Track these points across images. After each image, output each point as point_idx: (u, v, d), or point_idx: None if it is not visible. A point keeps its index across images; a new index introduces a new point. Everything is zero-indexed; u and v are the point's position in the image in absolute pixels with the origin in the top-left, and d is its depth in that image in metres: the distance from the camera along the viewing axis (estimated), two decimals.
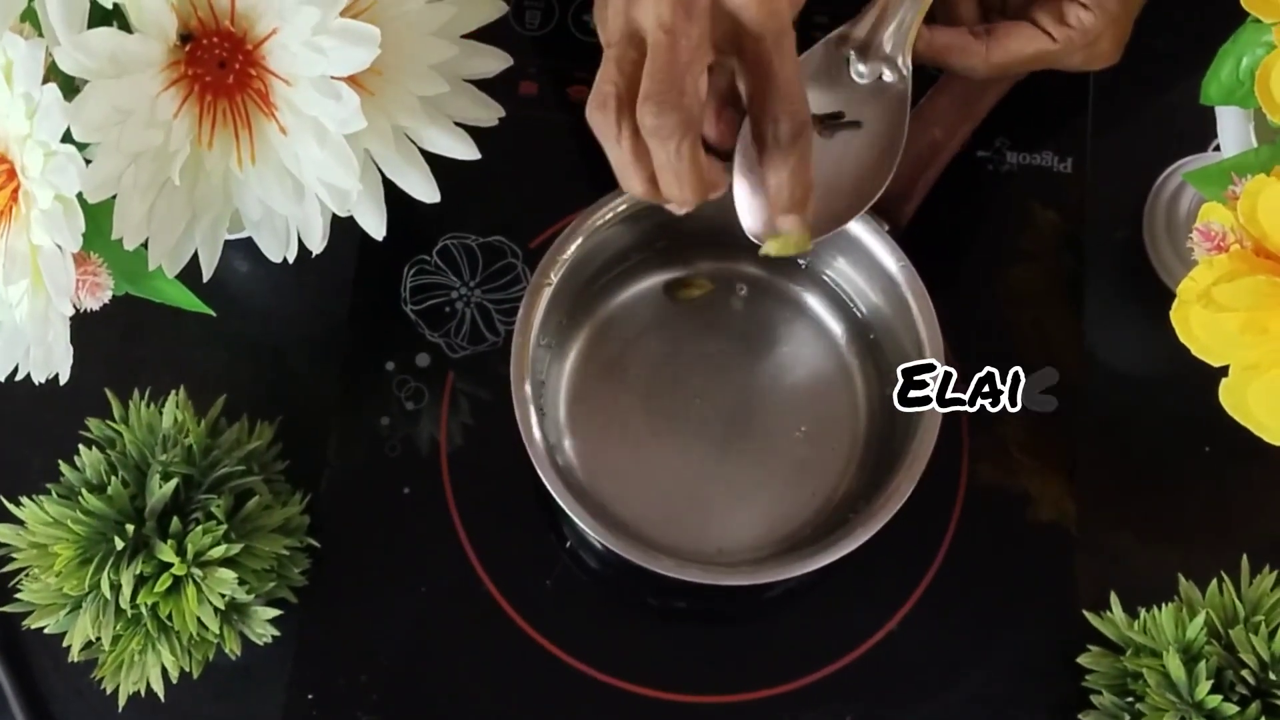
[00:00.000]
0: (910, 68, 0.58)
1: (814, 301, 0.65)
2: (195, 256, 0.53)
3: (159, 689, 0.56)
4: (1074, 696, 0.60)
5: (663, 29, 0.49)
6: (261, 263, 0.55)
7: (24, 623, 0.56)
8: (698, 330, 0.64)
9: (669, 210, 0.54)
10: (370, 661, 0.61)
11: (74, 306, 0.48)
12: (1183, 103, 0.59)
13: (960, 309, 0.64)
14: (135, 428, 0.58)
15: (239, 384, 0.64)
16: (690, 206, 0.53)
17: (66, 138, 0.46)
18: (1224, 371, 0.46)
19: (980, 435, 0.64)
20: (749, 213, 0.57)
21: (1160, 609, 0.57)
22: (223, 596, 0.55)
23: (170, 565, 0.54)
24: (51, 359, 0.50)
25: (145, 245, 0.50)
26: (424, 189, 0.55)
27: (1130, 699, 0.57)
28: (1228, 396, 0.46)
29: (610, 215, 0.60)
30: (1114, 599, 0.59)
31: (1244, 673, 0.54)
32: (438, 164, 0.55)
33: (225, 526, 0.55)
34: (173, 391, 0.59)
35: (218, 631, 0.56)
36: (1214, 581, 0.57)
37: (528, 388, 0.58)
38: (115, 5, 0.47)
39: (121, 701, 0.56)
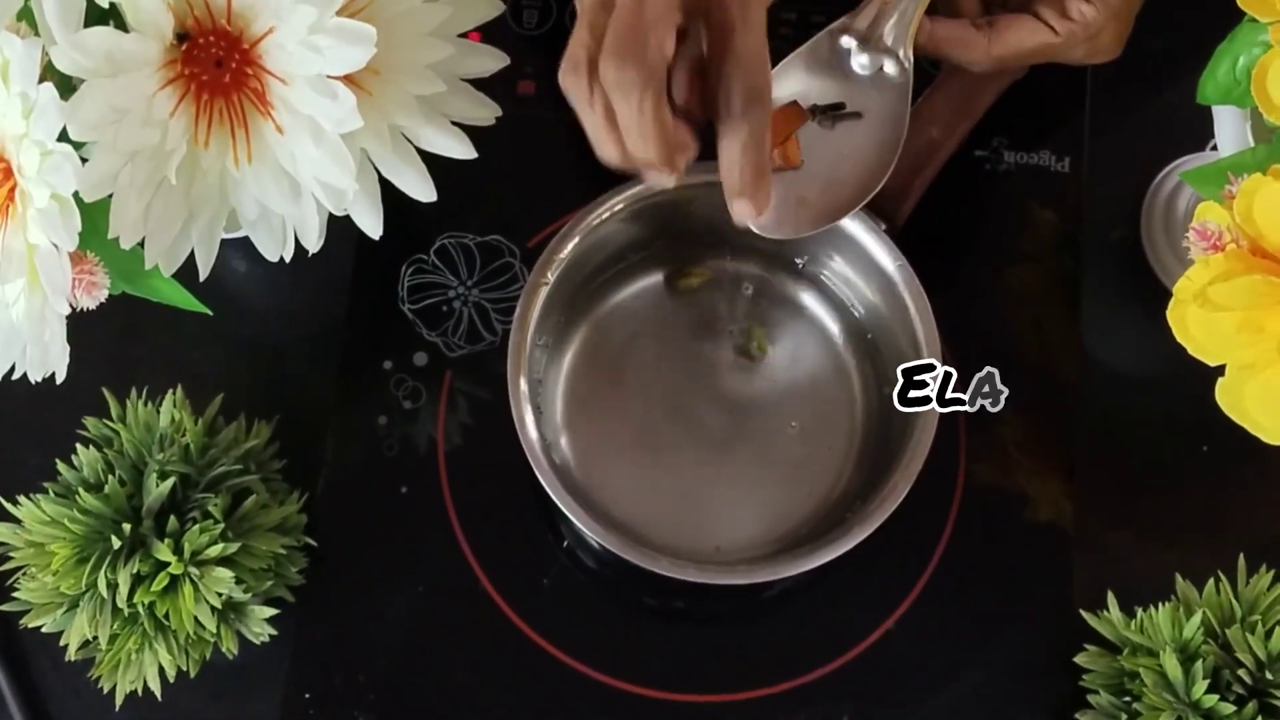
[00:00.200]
0: (912, 60, 0.58)
1: (811, 301, 0.65)
2: (192, 255, 0.53)
3: (156, 688, 0.56)
4: (1071, 696, 0.60)
5: None
6: (259, 262, 0.55)
7: (21, 621, 0.56)
8: (695, 330, 0.64)
9: (652, 183, 0.54)
10: (367, 661, 0.61)
11: (70, 305, 0.48)
12: (1180, 102, 0.59)
13: (957, 308, 0.64)
14: (132, 427, 0.58)
15: (236, 383, 0.64)
16: (661, 169, 0.52)
17: (63, 137, 0.46)
18: (1221, 371, 0.46)
19: (978, 435, 0.64)
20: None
21: (1157, 608, 0.57)
22: (220, 595, 0.55)
23: (167, 564, 0.54)
24: (48, 358, 0.50)
25: (142, 244, 0.50)
26: (421, 188, 0.55)
27: (1127, 698, 0.57)
28: (1224, 396, 0.46)
29: (607, 215, 0.60)
30: (1111, 598, 0.59)
31: (1241, 672, 0.54)
32: (435, 163, 0.55)
33: (222, 525, 0.55)
34: (170, 390, 0.59)
35: (215, 630, 0.56)
36: (1211, 581, 0.57)
37: (524, 386, 0.58)
38: (111, 4, 0.47)
39: (119, 700, 0.56)
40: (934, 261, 0.60)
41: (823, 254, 0.63)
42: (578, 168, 0.68)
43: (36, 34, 0.46)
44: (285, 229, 0.54)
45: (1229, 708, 0.53)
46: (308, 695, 0.61)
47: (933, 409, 0.57)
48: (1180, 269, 0.60)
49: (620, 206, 0.60)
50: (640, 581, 0.59)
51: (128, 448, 0.57)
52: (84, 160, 0.46)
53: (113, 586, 0.54)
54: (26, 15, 0.47)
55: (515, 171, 0.67)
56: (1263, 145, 0.52)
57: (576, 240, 0.60)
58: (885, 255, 0.60)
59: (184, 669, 0.56)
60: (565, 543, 0.63)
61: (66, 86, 0.46)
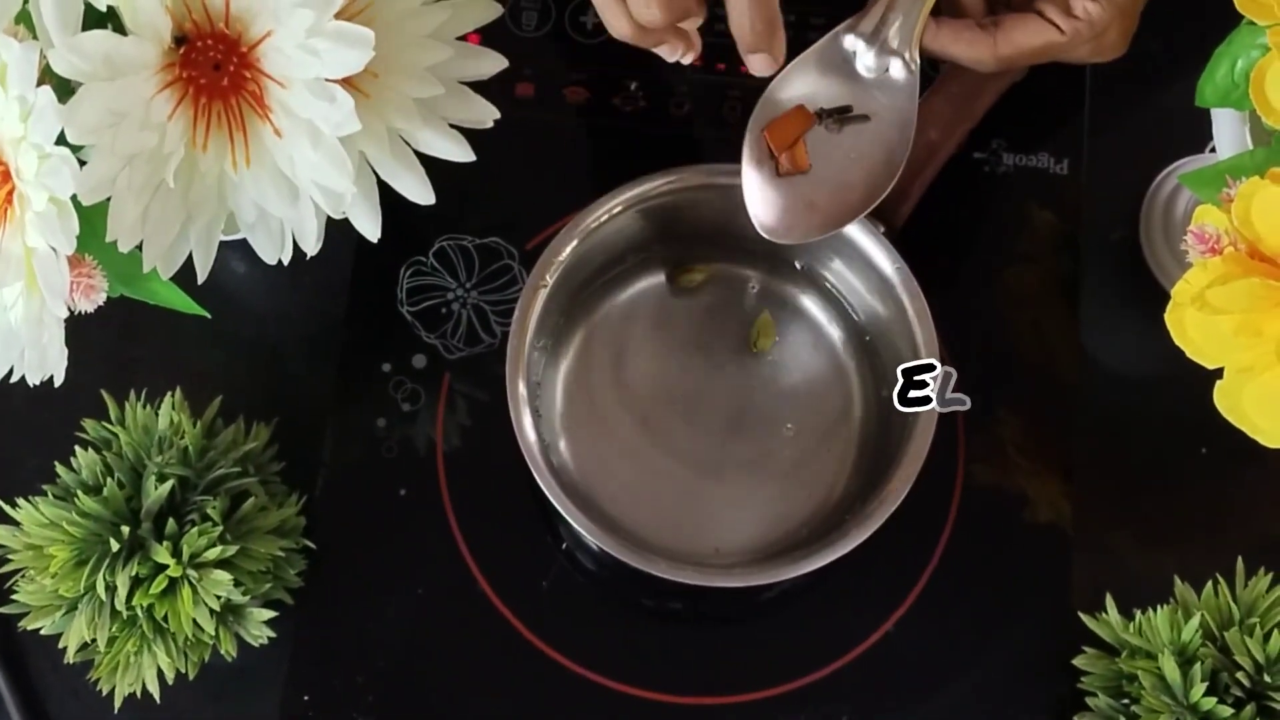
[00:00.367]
0: (918, 60, 0.58)
1: (810, 304, 0.65)
2: (190, 258, 0.53)
3: (155, 690, 0.56)
4: (1069, 698, 0.60)
5: None
6: (258, 264, 0.55)
7: (20, 624, 0.56)
8: (694, 332, 0.64)
9: (666, 57, 0.54)
10: (366, 663, 0.61)
11: (69, 309, 0.48)
12: (1179, 104, 0.59)
13: (956, 310, 0.64)
14: (131, 429, 0.58)
15: (235, 385, 0.64)
16: (668, 36, 0.53)
17: (61, 140, 0.46)
18: (1219, 374, 0.46)
19: (977, 436, 0.64)
20: (761, 206, 0.57)
21: (1156, 611, 0.57)
22: (218, 598, 0.55)
23: (166, 567, 0.54)
24: (46, 361, 0.50)
25: (140, 248, 0.50)
26: (419, 191, 0.55)
27: (1125, 701, 0.57)
28: (1222, 399, 0.46)
29: (606, 217, 0.60)
30: (1109, 600, 0.59)
31: (1239, 675, 0.54)
32: (434, 165, 0.55)
33: (221, 528, 0.55)
34: (169, 393, 0.59)
35: (213, 633, 0.56)
36: (1209, 583, 0.57)
37: (523, 388, 0.58)
38: (110, 8, 0.47)
39: (117, 703, 0.56)
40: (933, 263, 0.60)
41: (822, 256, 0.63)
42: (576, 170, 0.68)
43: (34, 37, 0.46)
44: (283, 232, 0.54)
45: (1227, 710, 0.53)
46: (306, 697, 0.61)
47: (932, 410, 0.57)
48: (1179, 271, 0.60)
49: (619, 208, 0.60)
50: (639, 583, 0.59)
51: (126, 450, 0.57)
52: (82, 163, 0.46)
53: (111, 589, 0.54)
54: (24, 18, 0.47)
55: (514, 174, 0.67)
56: (1261, 148, 0.52)
57: (575, 242, 0.60)
58: (884, 257, 0.60)
59: (183, 671, 0.56)
60: (564, 545, 0.63)
61: (65, 90, 0.46)
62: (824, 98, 0.58)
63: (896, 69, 0.58)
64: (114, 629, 0.55)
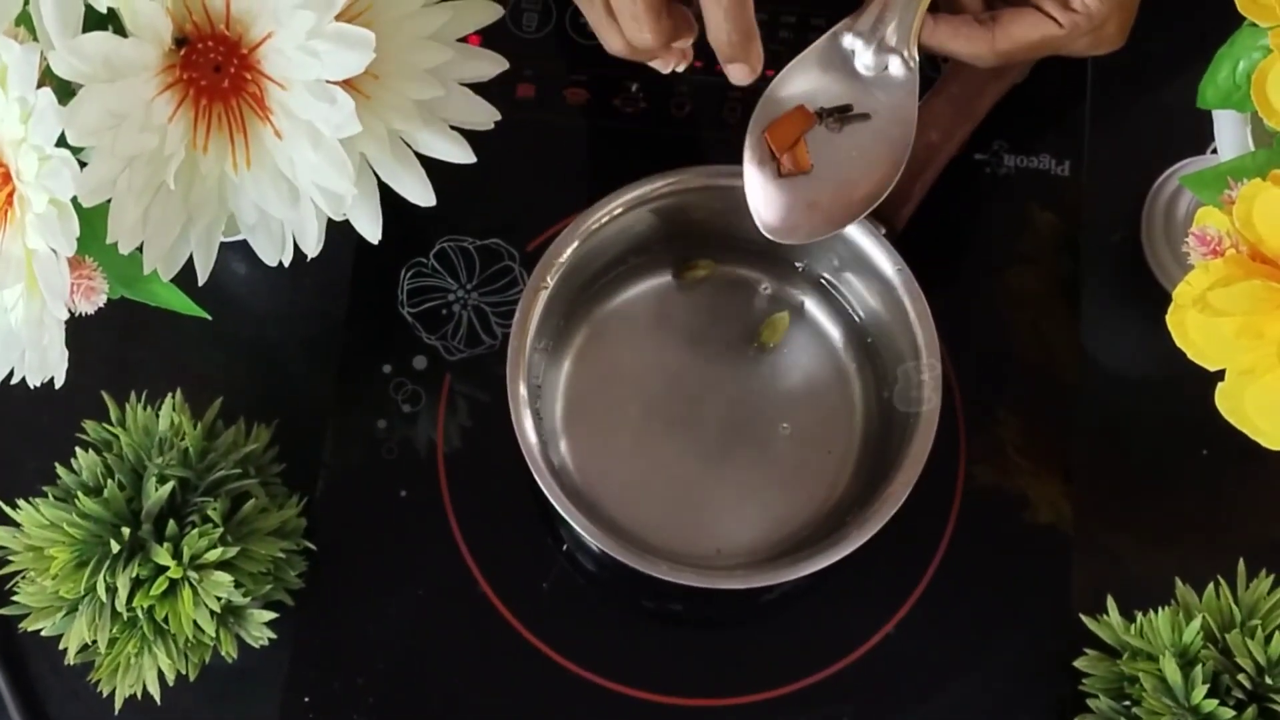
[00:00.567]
0: (917, 58, 0.58)
1: (811, 305, 0.65)
2: (191, 260, 0.53)
3: (155, 692, 0.56)
4: (1070, 700, 0.60)
5: None
6: (258, 265, 0.55)
7: (20, 625, 0.56)
8: (695, 334, 0.64)
9: (659, 68, 0.55)
10: (367, 664, 0.61)
11: (69, 310, 0.48)
12: (1180, 106, 0.59)
13: (957, 312, 0.64)
14: (132, 430, 0.58)
15: (236, 386, 0.64)
16: (660, 52, 0.54)
17: (61, 142, 0.46)
18: (1220, 375, 0.46)
19: (977, 437, 0.64)
20: (763, 206, 0.57)
21: (1157, 612, 0.57)
22: (219, 599, 0.55)
23: (166, 568, 0.54)
24: (47, 363, 0.50)
25: (140, 249, 0.50)
26: (419, 192, 0.55)
27: (1127, 703, 0.57)
28: (1224, 400, 0.46)
29: (607, 218, 0.60)
30: (1111, 602, 0.59)
31: (1240, 677, 0.54)
32: (434, 167, 0.55)
33: (221, 529, 0.55)
34: (169, 394, 0.59)
35: (214, 634, 0.56)
36: (1210, 585, 0.57)
37: (523, 390, 0.58)
38: (110, 9, 0.47)
39: (118, 704, 0.56)
40: (934, 265, 0.60)
41: (823, 257, 0.63)
42: (577, 171, 0.68)
43: (35, 39, 0.46)
44: (284, 233, 0.54)
45: (1228, 712, 0.53)
46: (307, 699, 0.61)
47: (933, 412, 0.57)
48: (1180, 273, 0.60)
49: (620, 210, 0.60)
50: (639, 585, 0.59)
51: (127, 451, 0.57)
52: (82, 165, 0.46)
53: (112, 590, 0.54)
54: (25, 20, 0.47)
55: (514, 175, 0.67)
56: (1263, 150, 0.52)
57: (576, 244, 0.60)
58: (885, 259, 0.60)
59: (183, 673, 0.56)
60: (564, 546, 0.63)
61: (65, 91, 0.46)
62: (824, 97, 0.58)
63: (896, 66, 0.57)
64: (114, 630, 0.55)
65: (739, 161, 0.58)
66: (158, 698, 0.56)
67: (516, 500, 0.63)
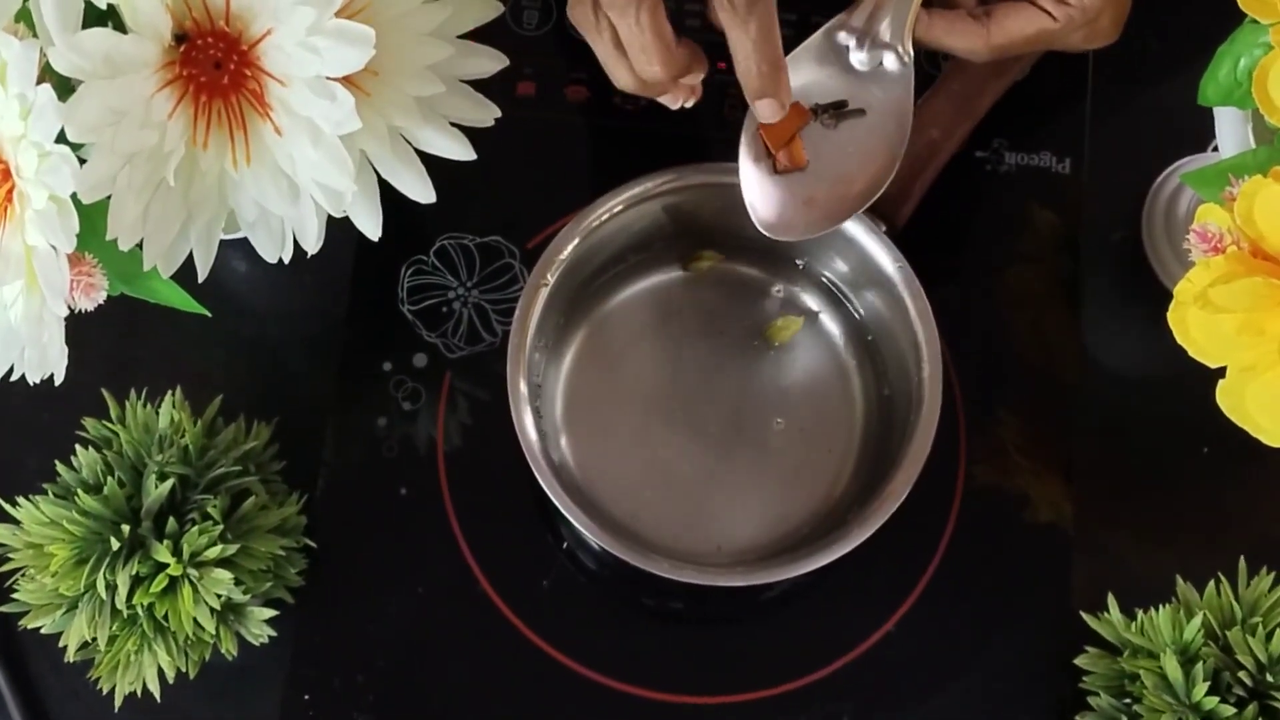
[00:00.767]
0: (911, 53, 0.58)
1: (812, 302, 0.65)
2: (191, 257, 0.53)
3: (155, 689, 0.56)
4: (1071, 698, 0.60)
5: None
6: (258, 262, 0.55)
7: (20, 622, 0.56)
8: (694, 331, 0.64)
9: (668, 104, 0.55)
10: (367, 662, 0.61)
11: (69, 307, 0.48)
12: (1181, 103, 0.59)
13: (958, 310, 0.64)
14: (132, 428, 0.57)
15: (236, 384, 0.64)
16: (670, 88, 0.54)
17: (61, 138, 0.46)
18: (1221, 373, 0.46)
19: (978, 436, 0.64)
20: (759, 202, 0.57)
21: (1158, 610, 0.57)
22: (219, 597, 0.55)
23: (166, 565, 0.54)
24: (46, 360, 0.50)
25: (140, 246, 0.50)
26: (419, 190, 0.55)
27: (1127, 700, 0.57)
28: (1225, 398, 0.46)
29: (607, 216, 0.60)
30: (1111, 600, 0.59)
31: (1241, 674, 0.54)
32: (434, 164, 0.55)
33: (221, 527, 0.55)
34: (169, 391, 0.59)
35: (214, 632, 0.56)
36: (1211, 583, 0.57)
37: (524, 388, 0.58)
38: (110, 6, 0.47)
39: (118, 702, 0.56)
40: (934, 262, 0.60)
41: (823, 255, 0.63)
42: (577, 168, 0.68)
43: (34, 35, 0.46)
44: (284, 230, 0.54)
45: (1229, 710, 0.53)
46: (307, 696, 0.61)
47: (933, 411, 0.57)
48: (1181, 271, 0.60)
49: (620, 207, 0.60)
50: (640, 583, 0.59)
51: (127, 449, 0.57)
52: (82, 162, 0.46)
53: (112, 588, 0.54)
54: (24, 16, 0.47)
55: (515, 172, 0.67)
56: (1264, 147, 0.52)
57: (576, 241, 0.60)
58: (885, 256, 0.60)
59: (183, 670, 0.56)
60: (565, 544, 0.63)
61: (65, 88, 0.46)
62: (819, 93, 0.58)
63: (890, 62, 0.57)
64: (114, 628, 0.55)
65: (737, 159, 0.57)
66: (158, 695, 0.56)
67: (517, 498, 0.63)
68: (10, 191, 0.48)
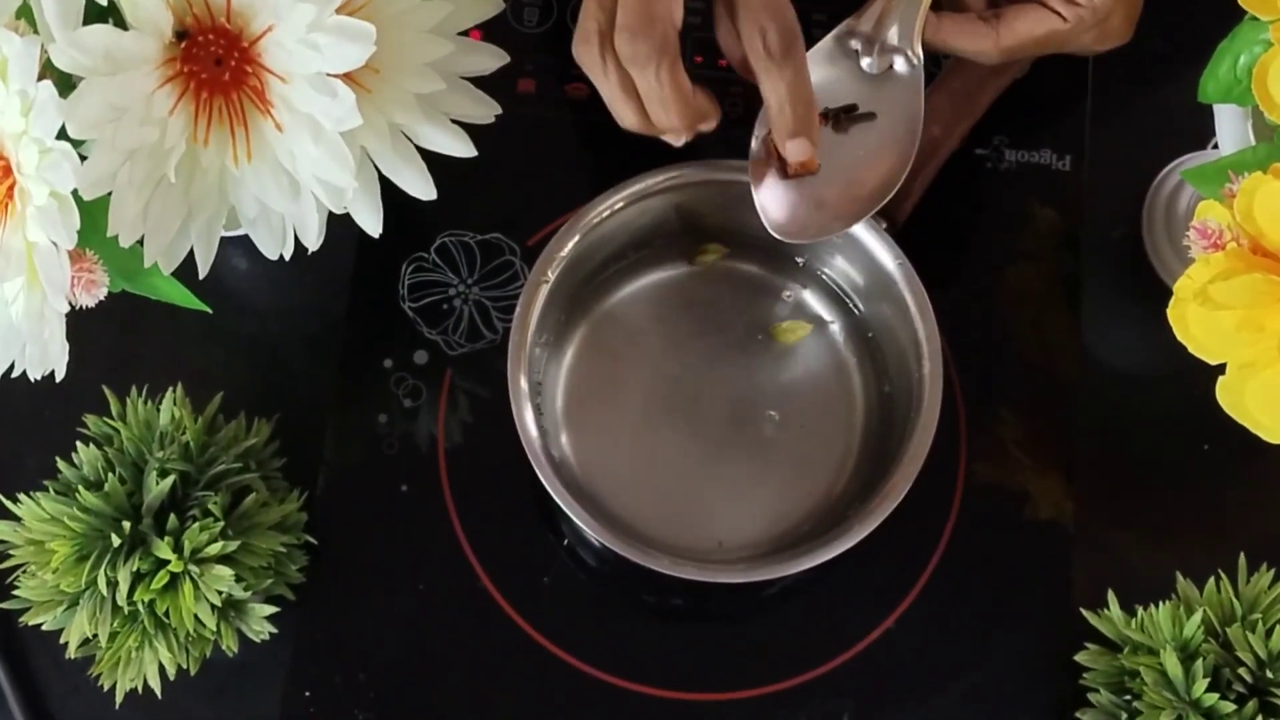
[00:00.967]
0: (921, 55, 0.58)
1: (812, 299, 0.65)
2: (192, 253, 0.53)
3: (156, 686, 0.56)
4: (1071, 694, 0.60)
5: None
6: (259, 260, 0.55)
7: (21, 619, 0.56)
8: (695, 328, 0.64)
9: (667, 142, 0.56)
10: (368, 659, 0.61)
11: (70, 303, 0.48)
12: (1181, 100, 0.59)
13: (958, 307, 0.64)
14: (132, 424, 0.58)
15: (236, 381, 0.64)
16: (683, 133, 0.55)
17: (62, 134, 0.46)
18: (1221, 369, 0.46)
19: (978, 433, 0.64)
20: (771, 205, 0.57)
21: (1158, 607, 0.57)
22: (220, 594, 0.55)
23: (167, 562, 0.54)
24: (47, 356, 0.50)
25: (141, 242, 0.50)
26: (420, 186, 0.55)
27: (1128, 697, 0.57)
28: (1225, 394, 0.46)
29: (608, 213, 0.60)
30: (1111, 597, 0.59)
31: (1241, 671, 0.54)
32: (435, 161, 0.55)
33: (222, 523, 0.55)
34: (170, 388, 0.59)
35: (215, 629, 0.56)
36: (1211, 579, 0.57)
37: (524, 384, 0.58)
38: (111, 2, 0.47)
39: (119, 698, 0.56)
40: (935, 260, 0.60)
41: (824, 252, 0.63)
42: (578, 166, 0.68)
43: (35, 32, 0.46)
44: (285, 227, 0.54)
45: (1229, 706, 0.53)
46: (308, 693, 0.61)
47: (933, 406, 0.57)
48: (1181, 267, 0.60)
49: (621, 204, 0.60)
50: (640, 579, 0.59)
51: (128, 445, 0.57)
52: (83, 158, 0.46)
53: (113, 584, 0.54)
54: (25, 13, 0.47)
55: (515, 169, 0.67)
56: (1263, 144, 0.52)
57: (577, 238, 0.60)
58: (886, 253, 0.60)
59: (184, 667, 0.56)
60: (565, 541, 0.63)
61: (65, 84, 0.46)
62: (830, 97, 0.58)
63: (900, 65, 0.57)
64: (115, 624, 0.55)
65: (740, 156, 0.57)
66: (158, 692, 0.56)
67: (517, 495, 0.63)
68: (11, 188, 0.48)
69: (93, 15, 0.47)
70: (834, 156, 0.57)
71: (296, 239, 0.54)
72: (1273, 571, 0.57)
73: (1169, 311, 0.46)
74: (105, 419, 0.58)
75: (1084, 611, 0.60)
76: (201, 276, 0.53)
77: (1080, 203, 0.67)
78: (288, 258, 0.54)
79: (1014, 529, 0.63)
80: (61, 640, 0.56)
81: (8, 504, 0.57)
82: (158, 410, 0.58)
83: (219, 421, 0.60)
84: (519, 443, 0.57)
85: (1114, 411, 0.65)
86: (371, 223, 0.55)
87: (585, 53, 0.54)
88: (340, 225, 0.54)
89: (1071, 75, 0.68)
